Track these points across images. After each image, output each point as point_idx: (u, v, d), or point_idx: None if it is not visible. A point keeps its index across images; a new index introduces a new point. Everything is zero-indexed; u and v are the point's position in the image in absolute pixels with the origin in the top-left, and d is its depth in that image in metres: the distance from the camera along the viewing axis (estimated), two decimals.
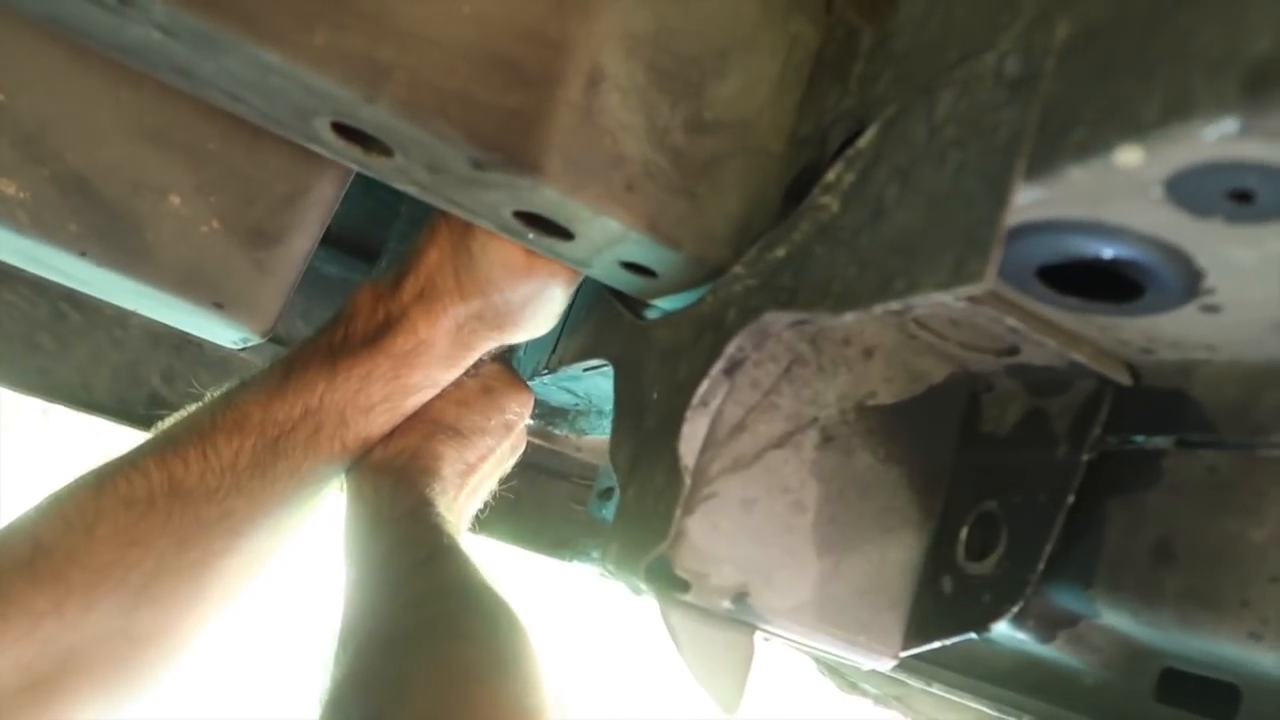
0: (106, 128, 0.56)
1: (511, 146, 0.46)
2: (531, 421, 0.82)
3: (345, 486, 0.67)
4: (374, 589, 0.54)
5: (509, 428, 0.71)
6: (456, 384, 0.69)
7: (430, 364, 0.65)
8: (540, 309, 0.63)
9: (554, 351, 0.81)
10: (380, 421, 0.65)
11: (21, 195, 0.54)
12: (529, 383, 0.91)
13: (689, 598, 0.44)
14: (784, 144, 0.51)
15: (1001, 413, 0.48)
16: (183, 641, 0.66)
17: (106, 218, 0.56)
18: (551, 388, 0.99)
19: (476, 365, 0.71)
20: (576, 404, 1.08)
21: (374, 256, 1.12)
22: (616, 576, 0.48)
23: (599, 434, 1.10)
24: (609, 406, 1.06)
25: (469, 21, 0.45)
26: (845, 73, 0.48)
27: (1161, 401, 0.40)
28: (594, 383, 0.95)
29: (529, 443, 0.81)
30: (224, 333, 0.64)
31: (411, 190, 0.53)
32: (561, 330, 0.81)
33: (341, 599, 0.56)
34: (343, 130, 0.48)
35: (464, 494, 0.67)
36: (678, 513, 0.43)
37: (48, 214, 0.55)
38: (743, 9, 0.51)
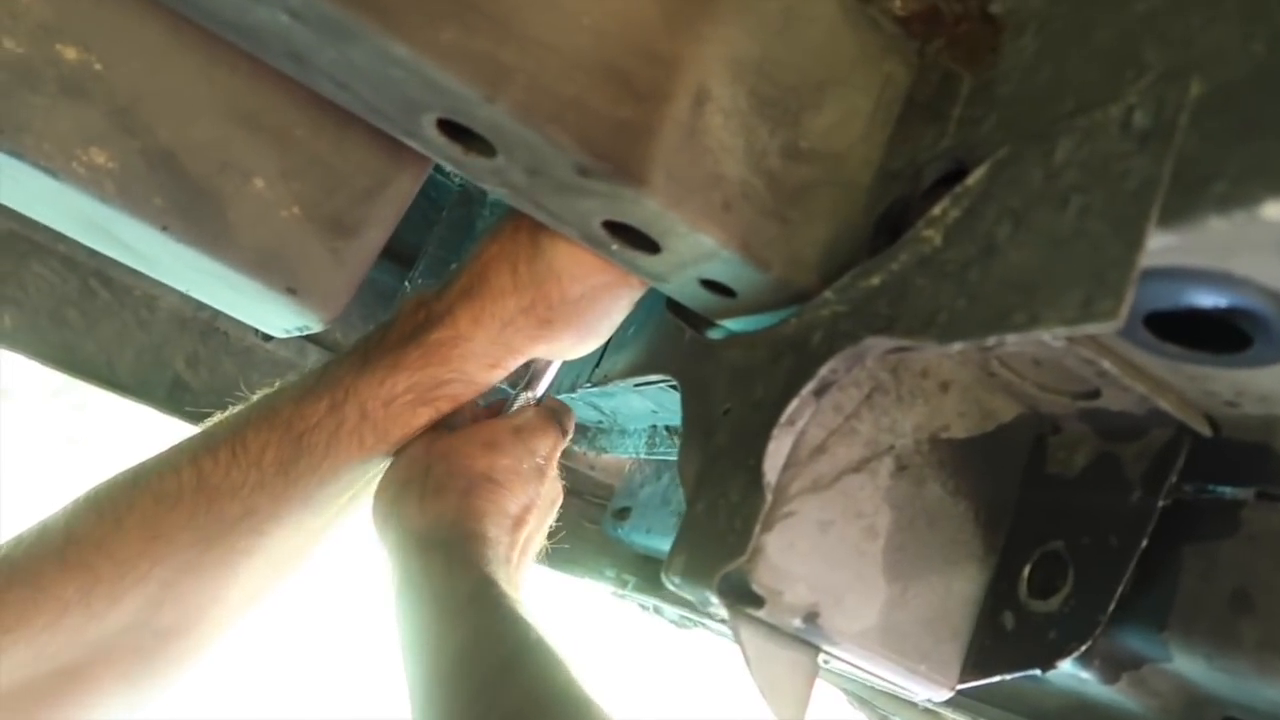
0: (199, 106, 0.57)
1: (620, 157, 0.47)
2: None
3: (389, 564, 0.63)
4: (455, 697, 0.49)
5: (541, 473, 0.66)
6: (484, 426, 0.66)
7: (464, 358, 0.63)
8: (598, 312, 0.62)
9: (598, 365, 0.82)
10: (401, 418, 0.64)
11: (110, 165, 0.55)
12: (562, 397, 0.91)
13: (762, 614, 0.45)
14: (872, 178, 0.53)
15: (1069, 455, 0.49)
16: (206, 640, 0.66)
17: (191, 195, 0.56)
18: (578, 403, 1.00)
19: (513, 394, 0.70)
20: (600, 421, 1.08)
21: (408, 261, 1.12)
22: (682, 588, 0.48)
23: (618, 453, 1.10)
24: (633, 426, 1.07)
25: (588, 33, 0.46)
26: (943, 114, 0.49)
27: (1243, 454, 0.41)
28: (624, 400, 0.96)
29: None
30: (286, 319, 0.64)
31: (500, 192, 0.54)
32: (605, 345, 0.81)
33: (412, 697, 0.52)
34: (447, 128, 0.49)
35: (515, 553, 0.63)
36: (757, 528, 0.44)
37: (135, 186, 0.55)
38: (841, 46, 0.52)
